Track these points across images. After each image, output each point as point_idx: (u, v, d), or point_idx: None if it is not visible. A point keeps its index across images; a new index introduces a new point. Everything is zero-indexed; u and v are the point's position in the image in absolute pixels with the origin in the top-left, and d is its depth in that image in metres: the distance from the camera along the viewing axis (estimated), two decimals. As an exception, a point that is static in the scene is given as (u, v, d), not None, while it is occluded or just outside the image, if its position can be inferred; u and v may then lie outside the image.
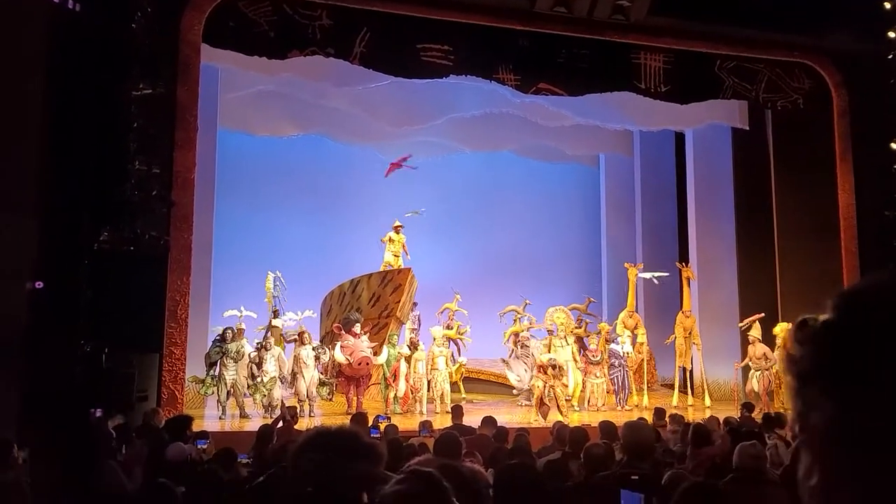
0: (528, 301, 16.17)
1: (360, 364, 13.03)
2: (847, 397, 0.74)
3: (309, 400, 12.78)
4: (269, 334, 13.49)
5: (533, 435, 8.09)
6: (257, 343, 13.19)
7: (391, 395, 13.54)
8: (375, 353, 13.28)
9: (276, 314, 14.40)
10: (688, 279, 15.90)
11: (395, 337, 14.30)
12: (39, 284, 9.74)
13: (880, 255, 14.13)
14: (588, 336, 14.99)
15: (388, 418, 10.10)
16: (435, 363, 13.86)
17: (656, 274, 16.61)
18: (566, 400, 13.25)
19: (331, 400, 13.43)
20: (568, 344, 14.70)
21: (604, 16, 13.75)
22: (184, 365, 11.87)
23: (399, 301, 14.89)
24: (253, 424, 10.80)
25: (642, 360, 15.45)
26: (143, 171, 11.10)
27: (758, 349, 14.04)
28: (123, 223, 10.70)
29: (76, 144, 10.27)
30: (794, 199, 15.48)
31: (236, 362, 12.65)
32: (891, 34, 14.09)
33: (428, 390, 13.66)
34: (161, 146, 11.49)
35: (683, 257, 17.14)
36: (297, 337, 13.38)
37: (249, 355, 12.79)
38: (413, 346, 13.97)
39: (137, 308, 10.59)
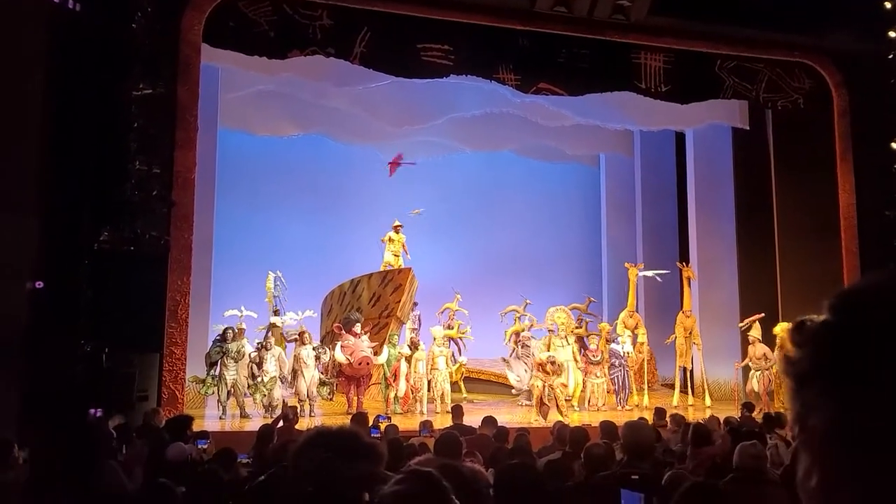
0: (528, 301, 16.18)
1: (360, 364, 13.03)
2: (847, 397, 0.74)
3: (309, 400, 12.78)
4: (269, 334, 13.50)
5: (533, 435, 8.10)
6: (258, 343, 13.19)
7: (391, 394, 13.54)
8: (376, 353, 13.27)
9: (276, 314, 14.41)
10: (688, 279, 15.90)
11: (396, 337, 14.30)
12: (39, 284, 9.74)
13: (881, 254, 14.13)
14: (588, 336, 14.99)
15: (389, 418, 10.11)
16: (435, 363, 13.86)
17: (658, 271, 16.62)
18: (566, 400, 13.25)
19: (331, 400, 13.43)
20: (568, 344, 14.71)
21: (604, 15, 13.75)
22: (184, 365, 11.87)
23: (399, 301, 14.89)
24: (253, 424, 10.80)
25: (643, 359, 15.45)
26: (143, 171, 11.11)
27: (758, 349, 14.04)
28: (124, 223, 10.71)
29: (76, 144, 10.27)
30: (795, 199, 15.48)
31: (237, 362, 12.64)
32: (891, 34, 14.10)
33: (428, 390, 13.66)
34: (161, 146, 11.49)
35: (684, 257, 17.14)
36: (297, 337, 13.38)
37: (250, 355, 12.78)
38: (413, 345, 13.97)
39: (138, 308, 10.60)
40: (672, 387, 15.73)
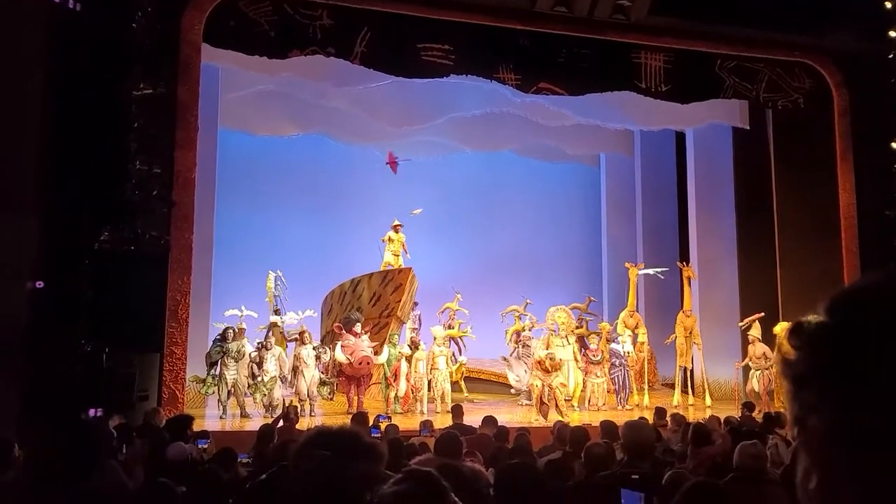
0: (528, 300, 16.18)
1: (360, 363, 13.03)
2: (846, 398, 0.73)
3: (310, 399, 12.78)
4: (270, 334, 13.50)
5: (534, 434, 8.10)
6: (258, 343, 13.20)
7: (392, 394, 13.54)
8: (376, 353, 13.28)
9: (277, 313, 14.41)
10: (688, 279, 15.90)
11: (396, 336, 14.30)
12: (40, 284, 9.74)
13: (881, 254, 14.13)
14: (589, 335, 14.98)
15: (389, 418, 10.10)
16: (435, 363, 13.86)
17: (658, 269, 16.62)
18: (566, 400, 13.25)
19: (331, 399, 13.43)
20: (569, 343, 14.71)
21: (604, 15, 13.75)
22: (184, 364, 11.87)
23: (400, 300, 14.89)
24: (254, 424, 10.80)
25: (643, 359, 15.45)
26: (143, 171, 11.11)
27: (758, 349, 14.04)
28: (124, 223, 10.71)
29: (76, 144, 10.27)
30: (795, 199, 15.47)
31: (237, 362, 12.65)
32: (891, 34, 14.09)
33: (429, 390, 13.66)
34: (161, 146, 11.49)
35: (684, 257, 17.14)
36: (297, 336, 13.39)
37: (250, 355, 12.79)
38: (414, 345, 13.98)
39: (138, 308, 10.60)
40: (672, 386, 15.72)
